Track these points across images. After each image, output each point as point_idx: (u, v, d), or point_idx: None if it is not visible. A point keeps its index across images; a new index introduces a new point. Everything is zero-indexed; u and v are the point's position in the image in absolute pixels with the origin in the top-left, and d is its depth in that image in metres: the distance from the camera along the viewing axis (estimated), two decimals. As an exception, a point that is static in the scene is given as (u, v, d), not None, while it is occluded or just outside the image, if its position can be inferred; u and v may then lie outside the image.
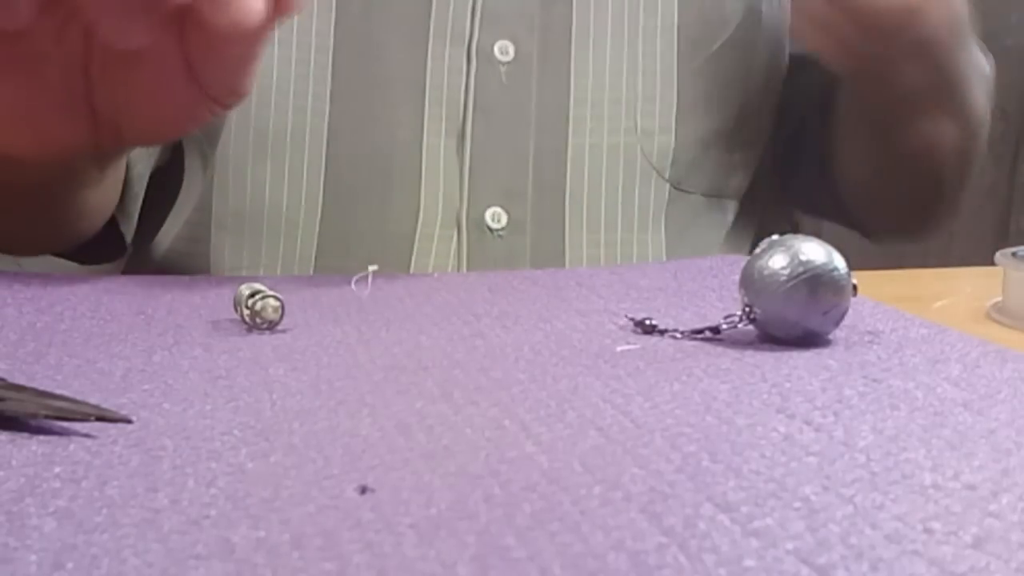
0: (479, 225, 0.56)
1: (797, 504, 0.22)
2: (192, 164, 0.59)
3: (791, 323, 0.35)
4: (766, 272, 0.35)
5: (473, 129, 0.55)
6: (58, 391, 0.29)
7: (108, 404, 0.28)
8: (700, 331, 0.36)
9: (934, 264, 0.70)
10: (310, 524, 0.21)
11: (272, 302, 0.36)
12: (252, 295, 0.37)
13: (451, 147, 0.55)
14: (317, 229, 0.55)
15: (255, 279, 0.39)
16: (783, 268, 0.34)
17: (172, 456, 0.25)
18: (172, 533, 0.21)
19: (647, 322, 0.36)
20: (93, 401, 0.28)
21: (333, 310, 0.40)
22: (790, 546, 0.20)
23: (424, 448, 0.25)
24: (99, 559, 0.20)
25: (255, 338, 0.36)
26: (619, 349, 0.34)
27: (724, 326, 0.36)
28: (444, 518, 0.21)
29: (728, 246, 0.61)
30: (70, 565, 0.19)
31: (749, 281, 0.35)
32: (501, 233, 0.56)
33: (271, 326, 0.36)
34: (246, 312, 0.36)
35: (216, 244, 0.57)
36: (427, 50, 0.55)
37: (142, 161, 0.55)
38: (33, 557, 0.20)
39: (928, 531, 0.21)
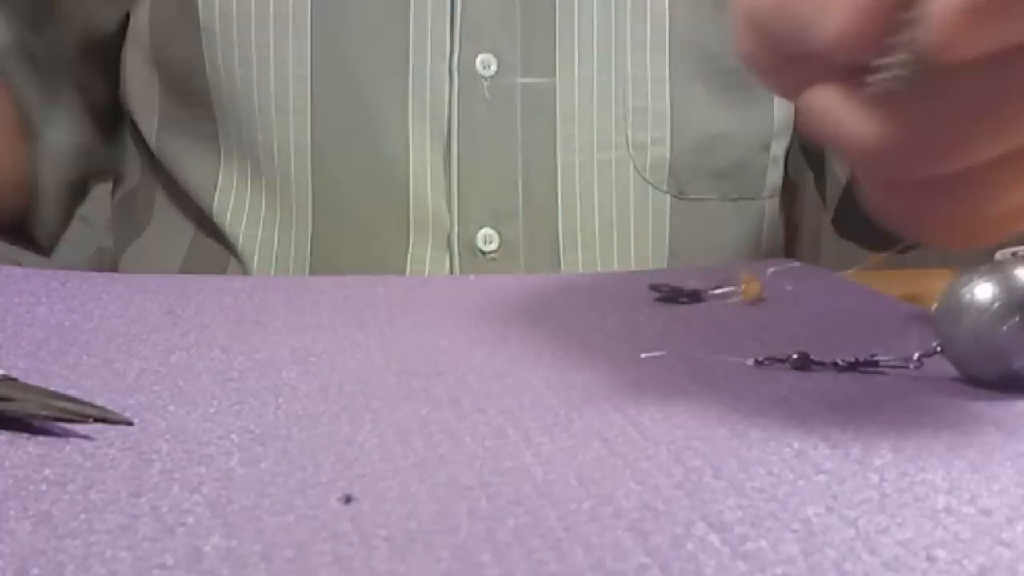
0: (470, 248, 0.54)
1: (796, 526, 0.21)
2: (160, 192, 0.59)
3: (997, 360, 0.30)
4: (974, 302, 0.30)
5: (459, 147, 0.54)
6: (69, 391, 0.29)
7: (114, 405, 0.28)
8: (869, 363, 0.32)
9: (934, 264, 0.67)
10: (285, 534, 0.21)
11: None
12: None
13: (438, 165, 0.54)
14: (309, 252, 0.55)
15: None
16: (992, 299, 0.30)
17: (164, 460, 0.25)
18: (144, 540, 0.20)
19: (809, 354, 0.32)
20: (100, 402, 0.28)
21: (361, 312, 0.39)
22: (779, 571, 0.19)
23: (419, 457, 0.25)
24: (64, 566, 0.19)
25: (275, 340, 0.35)
26: (643, 356, 0.33)
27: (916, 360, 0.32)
28: (422, 531, 0.21)
29: (766, 247, 0.59)
30: (35, 571, 0.19)
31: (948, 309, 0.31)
32: (494, 256, 0.54)
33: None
34: None
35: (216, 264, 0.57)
36: (408, 65, 0.54)
37: (50, 173, 0.58)
38: (0, 562, 0.19)
39: (931, 559, 0.20)
